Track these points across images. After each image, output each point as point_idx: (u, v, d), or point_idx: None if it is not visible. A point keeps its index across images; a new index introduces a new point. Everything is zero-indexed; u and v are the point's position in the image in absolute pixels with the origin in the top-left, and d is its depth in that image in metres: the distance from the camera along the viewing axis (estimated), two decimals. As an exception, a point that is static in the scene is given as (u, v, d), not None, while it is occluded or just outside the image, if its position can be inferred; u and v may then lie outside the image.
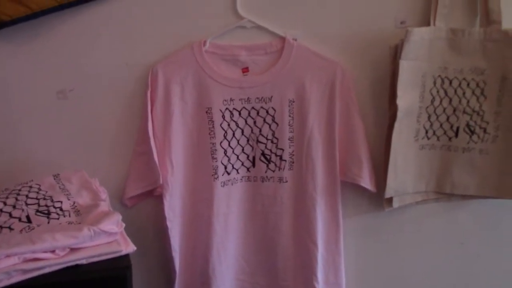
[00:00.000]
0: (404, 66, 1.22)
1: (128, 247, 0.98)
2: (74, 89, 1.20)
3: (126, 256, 0.97)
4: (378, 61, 1.26)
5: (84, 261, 0.93)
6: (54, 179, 1.11)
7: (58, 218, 0.98)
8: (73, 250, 0.93)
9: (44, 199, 1.03)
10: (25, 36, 1.14)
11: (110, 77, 1.20)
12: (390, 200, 1.31)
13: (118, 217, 1.00)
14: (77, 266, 0.93)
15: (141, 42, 1.18)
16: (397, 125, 1.24)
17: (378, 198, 1.30)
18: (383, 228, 1.38)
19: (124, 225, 1.01)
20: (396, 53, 1.22)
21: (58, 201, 1.03)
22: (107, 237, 0.96)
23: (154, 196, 1.25)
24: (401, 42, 1.21)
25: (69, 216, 1.00)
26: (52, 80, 1.18)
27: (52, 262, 0.92)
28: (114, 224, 0.97)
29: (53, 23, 1.15)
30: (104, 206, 1.05)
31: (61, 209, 1.01)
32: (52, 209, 1.01)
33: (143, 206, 1.27)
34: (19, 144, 1.20)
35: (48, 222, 0.97)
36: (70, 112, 1.21)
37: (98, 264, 0.94)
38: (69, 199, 1.05)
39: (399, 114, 1.23)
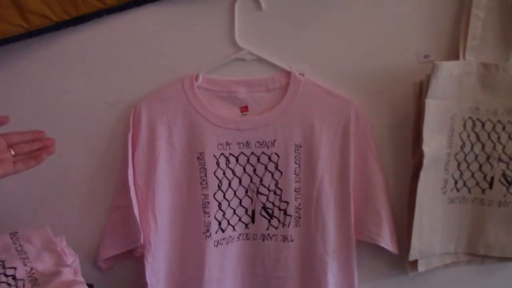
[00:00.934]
0: (431, 105, 1.09)
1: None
2: (42, 130, 0.99)
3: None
4: (398, 100, 1.14)
5: None
6: (11, 238, 0.98)
7: None
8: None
9: (-6, 264, 0.90)
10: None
11: (85, 116, 1.10)
12: (414, 263, 1.17)
13: None
14: None
15: (122, 75, 1.09)
16: (422, 174, 1.11)
17: (400, 261, 1.18)
18: None
19: None
20: (421, 91, 1.10)
21: (11, 268, 0.92)
22: None
23: (134, 257, 1.13)
24: (427, 78, 1.08)
25: (23, 287, 0.89)
26: (14, 118, 0.99)
27: None
28: None
29: (19, 53, 1.05)
30: (68, 273, 0.92)
31: (13, 277, 0.90)
32: (2, 278, 0.89)
33: (120, 270, 1.17)
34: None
35: (-4, 296, 0.84)
36: None
37: None
38: (25, 265, 0.93)
39: (425, 162, 1.10)
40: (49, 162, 1.01)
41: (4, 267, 0.90)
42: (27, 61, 1.06)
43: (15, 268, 0.90)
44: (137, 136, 1.08)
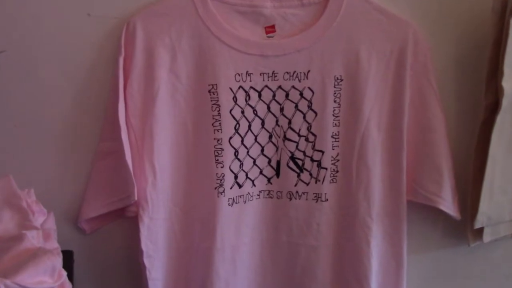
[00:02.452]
0: None
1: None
2: (6, 51, 1.00)
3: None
4: (469, 22, 1.05)
5: None
6: None
7: None
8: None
9: None
10: None
11: (62, 34, 1.01)
12: (478, 232, 1.09)
13: (54, 261, 0.75)
14: None
15: None
16: (499, 119, 0.98)
17: (459, 228, 1.11)
18: (465, 272, 1.19)
19: (65, 274, 0.77)
20: (504, 8, 0.95)
21: None
22: None
23: (125, 218, 1.07)
24: None
25: None
26: None
27: None
28: (46, 274, 0.74)
29: None
30: (34, 239, 0.79)
31: None
32: None
33: (108, 233, 1.10)
34: None
35: None
36: None
37: None
38: None
39: (505, 102, 0.97)
40: (17, 92, 1.02)
41: None
42: None
43: None
44: (131, 62, 0.99)
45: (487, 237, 1.08)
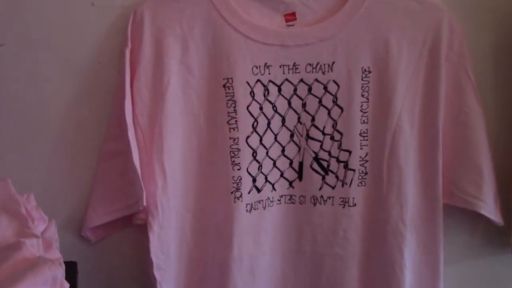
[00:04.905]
0: None
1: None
2: (6, 44, 1.00)
3: None
4: (506, 7, 1.03)
5: None
6: None
7: None
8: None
9: None
10: None
11: (64, 25, 1.00)
12: None
13: (55, 271, 0.73)
14: None
15: None
16: None
17: (501, 235, 1.09)
18: (509, 283, 1.16)
19: (67, 285, 0.76)
20: None
21: None
22: None
23: (133, 226, 1.06)
24: None
25: None
26: None
27: None
28: (45, 285, 0.73)
29: None
30: (34, 247, 0.78)
31: None
32: None
33: (115, 242, 1.10)
34: None
35: None
36: None
37: None
38: None
39: None
40: (16, 89, 1.02)
41: None
42: None
43: None
44: (138, 54, 0.99)
45: None
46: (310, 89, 1.00)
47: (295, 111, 1.01)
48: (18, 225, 0.82)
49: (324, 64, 0.99)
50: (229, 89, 0.99)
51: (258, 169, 1.02)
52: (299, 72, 0.99)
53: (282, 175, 1.03)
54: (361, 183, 1.03)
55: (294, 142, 1.02)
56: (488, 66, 1.06)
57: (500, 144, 1.07)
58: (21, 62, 1.00)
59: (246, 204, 1.02)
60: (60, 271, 0.73)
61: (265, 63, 0.98)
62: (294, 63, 0.99)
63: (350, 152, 1.01)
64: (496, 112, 1.07)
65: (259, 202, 1.03)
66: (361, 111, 1.00)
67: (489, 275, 1.15)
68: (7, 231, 0.80)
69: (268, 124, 1.01)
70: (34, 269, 0.70)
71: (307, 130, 1.01)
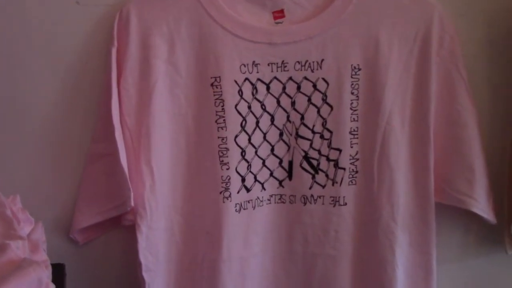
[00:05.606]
0: None
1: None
2: None
3: None
4: (498, 3, 1.03)
5: None
6: None
7: None
8: None
9: None
10: None
11: (50, 25, 1.00)
12: None
13: (40, 273, 0.72)
14: None
15: None
16: None
17: (495, 234, 1.09)
18: (504, 282, 1.16)
19: (53, 287, 0.75)
20: None
21: None
22: None
23: (121, 227, 1.06)
24: None
25: None
26: None
27: None
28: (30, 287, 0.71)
29: None
30: (20, 248, 0.76)
31: None
32: None
33: (103, 244, 1.09)
34: None
35: None
36: None
37: None
38: None
39: None
40: (3, 92, 1.00)
41: None
42: None
43: None
44: (125, 53, 0.98)
45: None
46: (299, 87, 1.00)
47: (284, 109, 1.01)
48: (3, 227, 0.80)
49: (313, 62, 0.99)
50: (217, 88, 0.99)
51: (247, 169, 1.02)
52: (288, 70, 0.99)
53: (271, 174, 1.03)
54: (352, 182, 1.03)
55: (283, 140, 1.02)
56: (480, 63, 1.06)
57: (493, 142, 1.07)
58: (3, 62, 1.00)
59: (235, 204, 1.02)
60: (45, 273, 0.72)
61: (253, 61, 0.98)
62: (283, 61, 0.99)
63: (340, 150, 1.01)
64: (489, 109, 1.07)
65: (249, 202, 1.03)
66: (351, 109, 1.00)
67: (483, 274, 1.15)
68: None
69: (257, 123, 1.01)
70: (18, 271, 0.69)
71: (297, 129, 1.01)
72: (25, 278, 0.69)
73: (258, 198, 1.03)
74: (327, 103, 1.00)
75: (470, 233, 1.12)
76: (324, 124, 1.01)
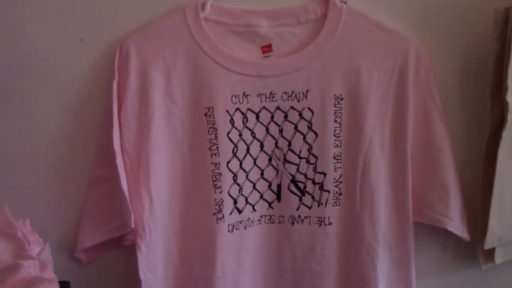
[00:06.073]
0: None
1: None
2: None
3: None
4: (471, 36, 1.06)
5: None
6: None
7: None
8: None
9: None
10: None
11: (55, 60, 1.03)
12: (489, 253, 1.09)
13: None
14: None
15: (103, 4, 1.02)
16: (505, 134, 0.99)
17: (470, 250, 1.11)
18: None
19: None
20: (506, 21, 0.98)
21: None
22: None
23: (122, 247, 1.07)
24: None
25: None
26: None
27: None
28: None
29: None
30: (31, 267, 0.81)
31: None
32: None
33: (105, 263, 1.11)
34: None
35: None
36: None
37: None
38: None
39: (510, 118, 0.99)
40: (10, 121, 1.03)
41: None
42: None
43: None
44: (125, 86, 1.01)
45: (499, 258, 1.09)
46: (286, 116, 1.02)
47: (272, 136, 1.03)
48: (16, 248, 0.84)
49: (299, 93, 1.01)
50: (210, 117, 1.01)
51: (239, 192, 1.04)
52: (276, 100, 1.01)
53: (261, 196, 1.05)
54: (336, 203, 1.05)
55: (272, 165, 1.04)
56: (454, 92, 1.08)
57: (467, 165, 1.08)
58: (13, 94, 1.02)
59: (228, 225, 1.03)
60: None
61: (244, 93, 1.01)
62: (271, 92, 1.01)
63: (325, 174, 1.03)
64: (461, 134, 1.09)
65: (240, 223, 1.05)
66: (334, 135, 1.02)
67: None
68: (5, 254, 0.83)
69: (248, 149, 1.03)
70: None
71: (284, 154, 1.04)
72: None
73: (249, 219, 1.05)
74: (312, 131, 1.02)
75: (447, 249, 1.13)
76: (309, 150, 1.03)
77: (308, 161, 1.04)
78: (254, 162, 1.05)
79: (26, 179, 1.06)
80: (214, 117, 1.02)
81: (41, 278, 0.78)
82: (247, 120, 1.03)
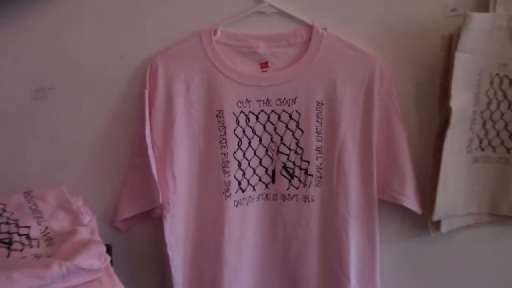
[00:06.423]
0: (460, 59, 0.99)
1: (114, 288, 0.75)
2: (55, 87, 1.03)
3: (112, 300, 0.75)
4: (424, 55, 1.06)
5: (53, 309, 0.71)
6: (25, 197, 0.90)
7: (21, 250, 0.77)
8: (37, 294, 0.70)
9: (7, 223, 0.82)
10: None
11: (100, 73, 1.04)
12: (437, 224, 1.10)
13: (101, 248, 0.77)
14: (43, 316, 0.71)
15: (137, 30, 1.03)
16: (449, 132, 1.02)
17: (422, 221, 1.11)
18: (428, 257, 1.18)
19: (109, 258, 0.78)
20: (450, 45, 1.01)
21: (25, 227, 0.82)
22: (85, 275, 0.74)
23: (152, 218, 1.09)
24: (457, 30, 0.99)
25: (37, 246, 0.79)
26: (27, 76, 1.01)
27: (7, 313, 0.68)
28: (95, 258, 0.76)
29: (27, 7, 0.98)
30: (85, 232, 0.82)
31: (27, 237, 0.80)
32: (15, 237, 0.79)
33: (139, 230, 1.11)
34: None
35: (8, 256, 0.76)
36: (49, 115, 1.04)
37: (73, 313, 0.72)
38: (40, 224, 0.83)
39: (453, 119, 1.01)
40: (64, 120, 1.04)
41: (17, 226, 0.81)
42: (37, 15, 0.99)
43: (29, 227, 0.82)
44: (154, 93, 1.02)
45: (444, 228, 1.10)
46: (279, 117, 1.04)
47: (268, 133, 1.05)
48: (72, 218, 0.87)
49: (289, 99, 1.03)
50: (220, 118, 1.03)
51: (242, 175, 1.06)
52: (271, 105, 1.03)
53: (260, 179, 1.07)
54: (318, 185, 1.06)
55: (268, 155, 1.06)
56: (411, 99, 1.09)
57: (420, 155, 1.09)
58: (67, 100, 1.03)
59: (234, 201, 1.05)
60: (103, 248, 0.77)
61: (246, 99, 1.03)
62: (267, 98, 1.03)
63: (309, 162, 1.05)
64: (417, 131, 1.10)
65: (243, 199, 1.07)
66: (316, 132, 1.04)
67: (414, 250, 1.17)
68: (65, 222, 0.85)
69: (249, 143, 1.05)
70: (87, 247, 0.75)
71: (278, 147, 1.05)
72: (91, 252, 0.75)
73: (250, 196, 1.07)
74: (300, 128, 1.04)
75: (404, 221, 1.14)
76: (297, 144, 1.05)
77: (296, 152, 1.06)
78: (254, 153, 1.06)
79: (79, 166, 1.07)
80: (223, 118, 1.03)
81: (93, 239, 0.80)
82: (249, 120, 1.04)
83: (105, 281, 0.76)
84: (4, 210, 0.86)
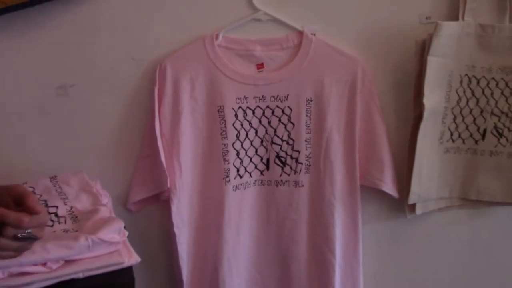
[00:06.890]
0: (432, 62, 1.07)
1: (131, 259, 0.84)
2: (76, 84, 1.05)
3: (129, 268, 0.84)
4: (401, 58, 1.13)
5: (80, 275, 0.81)
6: (51, 181, 0.98)
7: (52, 225, 0.86)
8: (67, 262, 0.80)
9: (38, 203, 0.88)
10: (20, 26, 1.00)
11: (115, 72, 1.07)
12: (413, 207, 1.18)
13: (120, 224, 0.86)
14: (72, 280, 0.80)
15: (148, 35, 1.06)
16: (422, 126, 1.10)
17: (400, 204, 1.18)
18: (405, 236, 1.25)
19: (127, 233, 0.88)
20: (423, 50, 1.08)
21: (53, 206, 0.91)
22: (107, 247, 0.83)
23: (160, 200, 1.12)
24: (429, 37, 1.07)
25: (65, 223, 0.87)
26: (51, 75, 1.04)
27: (43, 277, 0.78)
28: (115, 232, 0.85)
29: (51, 12, 1.00)
30: (105, 211, 0.91)
31: (56, 215, 0.89)
32: None
33: (149, 212, 1.15)
34: (14, 144, 1.06)
35: (41, 230, 0.83)
36: (70, 110, 1.07)
37: (97, 278, 0.81)
38: (65, 204, 0.92)
39: (426, 114, 1.09)
40: (83, 114, 1.07)
41: (47, 205, 0.89)
42: (60, 20, 1.02)
43: (56, 207, 0.90)
44: (163, 90, 1.06)
45: (419, 210, 1.17)
46: (273, 112, 1.09)
47: (263, 126, 1.10)
48: (93, 199, 0.95)
49: (282, 96, 1.08)
50: (221, 112, 1.07)
51: (240, 163, 1.10)
52: (266, 102, 1.08)
53: (256, 167, 1.12)
54: (307, 172, 1.11)
55: (263, 146, 1.11)
56: (389, 96, 1.15)
57: (397, 145, 1.15)
58: (86, 96, 1.05)
59: (233, 186, 1.10)
60: (123, 225, 0.85)
61: (244, 96, 1.07)
62: (263, 95, 1.08)
63: (299, 152, 1.10)
64: (395, 125, 1.16)
65: (241, 185, 1.11)
66: (305, 126, 1.09)
67: (392, 230, 1.23)
68: (87, 203, 0.93)
69: (246, 135, 1.09)
70: (108, 223, 0.83)
71: (272, 138, 1.10)
72: (112, 227, 0.84)
73: (247, 182, 1.11)
74: (291, 122, 1.09)
75: (383, 204, 1.19)
76: (289, 135, 1.10)
77: (288, 143, 1.11)
78: (251, 143, 1.11)
79: (96, 155, 1.10)
80: (224, 113, 1.07)
81: (113, 217, 0.88)
82: (246, 114, 1.08)
83: (124, 252, 0.85)
84: (34, 193, 0.93)
